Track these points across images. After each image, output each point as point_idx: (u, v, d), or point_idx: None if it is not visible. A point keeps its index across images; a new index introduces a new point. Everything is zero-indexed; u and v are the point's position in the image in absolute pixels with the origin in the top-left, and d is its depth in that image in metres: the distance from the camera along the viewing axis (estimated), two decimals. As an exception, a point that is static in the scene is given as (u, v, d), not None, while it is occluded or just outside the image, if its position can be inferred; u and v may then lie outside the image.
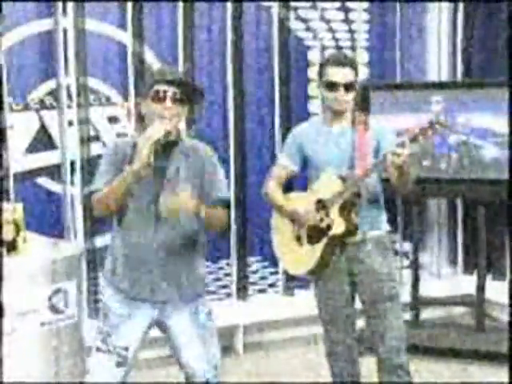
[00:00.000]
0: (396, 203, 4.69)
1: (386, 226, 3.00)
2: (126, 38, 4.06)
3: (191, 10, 4.19)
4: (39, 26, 3.85)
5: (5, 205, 2.83)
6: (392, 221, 3.09)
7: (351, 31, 4.62)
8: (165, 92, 2.45)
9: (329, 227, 2.86)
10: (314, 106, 4.55)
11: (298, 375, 3.94)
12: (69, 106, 3.94)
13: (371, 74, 4.68)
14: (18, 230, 2.75)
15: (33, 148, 3.91)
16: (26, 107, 3.86)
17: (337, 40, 4.59)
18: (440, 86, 4.47)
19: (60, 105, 3.93)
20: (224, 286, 4.47)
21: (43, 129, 3.93)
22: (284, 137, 4.30)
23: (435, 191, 4.41)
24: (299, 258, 2.99)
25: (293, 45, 4.48)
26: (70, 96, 3.94)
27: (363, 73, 4.51)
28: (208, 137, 4.07)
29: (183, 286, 2.57)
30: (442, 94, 4.27)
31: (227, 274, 4.47)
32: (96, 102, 4.03)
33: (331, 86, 2.88)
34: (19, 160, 3.85)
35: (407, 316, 4.31)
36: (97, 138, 4.04)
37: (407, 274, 4.67)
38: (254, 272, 4.56)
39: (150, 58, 4.12)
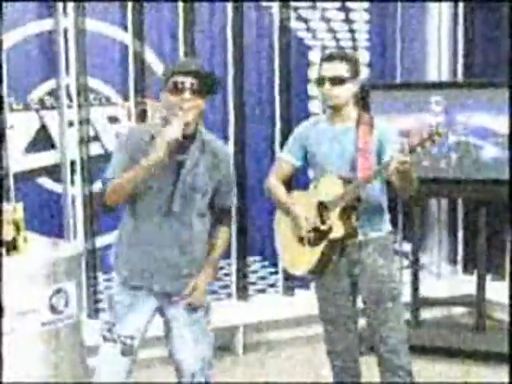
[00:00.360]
0: (396, 203, 4.69)
1: (387, 227, 3.00)
2: (127, 37, 4.06)
3: (191, 10, 4.19)
4: (39, 26, 3.85)
5: (5, 205, 2.83)
6: (392, 221, 3.08)
7: (352, 31, 4.62)
8: (183, 83, 2.44)
9: (329, 230, 2.85)
10: (314, 105, 4.55)
11: (298, 375, 3.94)
12: (69, 106, 3.94)
13: (371, 74, 4.68)
14: (18, 229, 2.74)
15: (33, 148, 3.91)
16: (26, 107, 3.86)
17: (337, 40, 4.59)
18: (440, 85, 4.47)
19: (60, 105, 3.93)
20: (224, 286, 4.47)
21: (43, 129, 3.93)
22: (284, 137, 4.32)
23: (435, 191, 4.41)
24: (300, 257, 2.99)
25: (293, 45, 4.48)
26: (69, 96, 3.94)
27: (363, 73, 4.50)
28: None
29: (185, 279, 2.61)
30: (442, 94, 4.27)
31: (227, 274, 4.47)
32: (96, 101, 4.03)
33: (319, 81, 2.89)
34: (19, 160, 3.85)
35: (407, 316, 4.31)
36: (97, 138, 4.04)
37: (407, 274, 4.67)
38: (254, 272, 4.56)
39: (150, 57, 4.12)
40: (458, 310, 4.89)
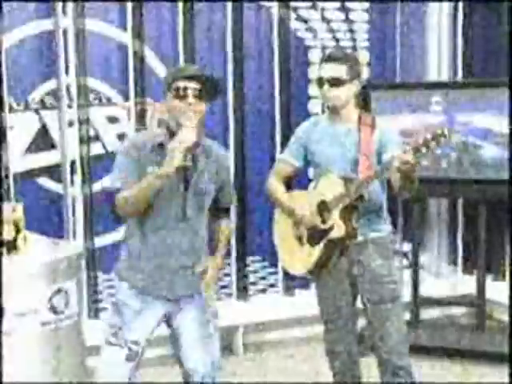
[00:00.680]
0: (396, 203, 4.69)
1: (387, 228, 2.99)
2: (126, 38, 4.06)
3: (191, 10, 4.19)
4: (39, 26, 3.86)
5: (5, 205, 2.83)
6: (392, 221, 3.08)
7: (351, 31, 4.62)
8: (186, 88, 2.45)
9: (330, 229, 2.85)
10: (314, 105, 4.55)
11: (298, 375, 3.94)
12: (69, 106, 3.95)
13: (371, 73, 4.68)
14: (17, 230, 2.74)
15: (33, 148, 3.91)
16: (26, 107, 3.86)
17: (337, 40, 4.59)
18: (440, 85, 4.46)
19: (60, 105, 3.93)
20: (224, 286, 4.47)
21: (43, 129, 3.93)
22: (284, 137, 4.32)
23: (435, 191, 4.41)
24: (299, 257, 2.99)
25: (293, 45, 4.48)
26: (70, 96, 3.94)
27: (363, 73, 4.50)
28: (208, 136, 4.06)
29: (196, 283, 2.63)
30: (442, 94, 4.27)
31: (227, 274, 4.47)
32: (96, 101, 4.03)
33: (318, 81, 2.88)
34: (19, 160, 3.86)
35: (407, 316, 4.31)
36: (97, 138, 4.04)
37: (407, 274, 4.67)
38: (254, 272, 4.56)
39: (150, 57, 4.12)
40: (458, 310, 4.89)
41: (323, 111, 4.23)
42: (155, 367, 3.88)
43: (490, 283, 4.56)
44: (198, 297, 2.64)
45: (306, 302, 3.83)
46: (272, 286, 4.61)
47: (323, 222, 2.88)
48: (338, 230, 2.82)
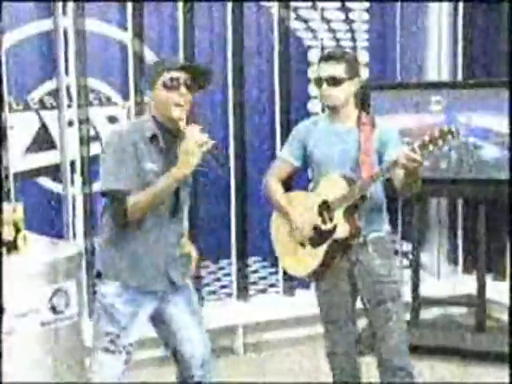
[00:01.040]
0: (396, 203, 4.69)
1: (387, 228, 2.98)
2: (126, 37, 4.06)
3: (191, 10, 4.19)
4: (39, 26, 3.85)
5: (5, 205, 2.83)
6: (392, 221, 3.08)
7: (351, 31, 4.62)
8: (178, 79, 2.45)
9: (333, 230, 2.84)
10: (314, 105, 4.55)
11: (298, 375, 3.94)
12: (69, 106, 3.95)
13: (371, 73, 4.68)
14: (17, 230, 2.74)
15: (33, 148, 3.91)
16: (26, 107, 3.86)
17: (337, 40, 4.59)
18: (440, 85, 4.46)
19: (60, 105, 3.93)
20: (224, 286, 4.47)
21: (43, 129, 3.93)
22: (284, 137, 4.31)
23: (435, 191, 4.41)
24: (300, 259, 2.97)
25: (293, 45, 4.48)
26: (69, 96, 3.94)
27: (363, 73, 4.50)
28: (209, 136, 4.06)
29: (185, 273, 2.66)
30: (442, 94, 4.26)
31: (227, 274, 4.47)
32: (96, 101, 4.03)
33: (316, 81, 2.88)
34: (19, 160, 3.86)
35: (407, 316, 4.31)
36: (97, 138, 4.04)
37: (407, 274, 4.67)
38: (254, 272, 4.56)
39: (150, 58, 4.12)
40: (458, 310, 4.89)
41: (323, 111, 4.23)
42: (151, 368, 3.89)
43: (490, 283, 4.56)
44: (184, 286, 2.67)
45: (306, 301, 3.83)
46: (272, 285, 4.61)
47: (324, 222, 2.87)
48: (343, 230, 2.81)
